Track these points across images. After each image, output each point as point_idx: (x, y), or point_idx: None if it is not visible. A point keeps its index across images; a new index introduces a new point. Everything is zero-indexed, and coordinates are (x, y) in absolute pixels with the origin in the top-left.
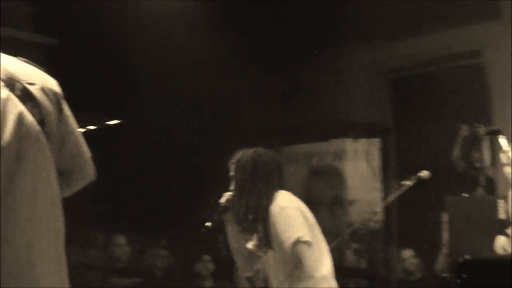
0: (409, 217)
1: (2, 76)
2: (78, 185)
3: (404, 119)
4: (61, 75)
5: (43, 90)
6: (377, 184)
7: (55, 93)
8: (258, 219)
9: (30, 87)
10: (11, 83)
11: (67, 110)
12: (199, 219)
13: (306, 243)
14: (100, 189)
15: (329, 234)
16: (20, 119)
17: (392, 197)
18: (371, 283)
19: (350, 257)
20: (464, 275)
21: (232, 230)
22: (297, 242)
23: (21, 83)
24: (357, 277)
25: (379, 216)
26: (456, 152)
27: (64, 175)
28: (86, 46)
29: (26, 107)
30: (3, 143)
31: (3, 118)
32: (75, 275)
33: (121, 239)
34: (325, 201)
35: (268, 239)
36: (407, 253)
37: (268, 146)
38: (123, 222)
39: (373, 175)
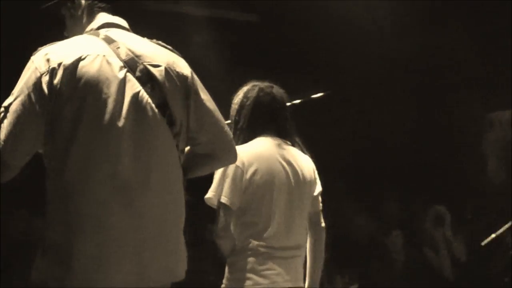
0: None
1: (123, 57)
2: (221, 166)
3: None
4: (260, 50)
5: (168, 72)
6: None
7: (182, 76)
8: None
9: (152, 69)
10: (133, 64)
11: (201, 93)
12: None
13: (219, 205)
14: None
15: None
16: (136, 100)
17: None
18: None
19: None
20: None
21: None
22: (207, 199)
23: (143, 65)
24: None
25: None
26: None
27: (207, 156)
28: (283, 22)
29: (145, 89)
30: (120, 124)
31: (120, 99)
32: None
33: None
34: None
35: None
36: None
37: None
38: None
39: None
